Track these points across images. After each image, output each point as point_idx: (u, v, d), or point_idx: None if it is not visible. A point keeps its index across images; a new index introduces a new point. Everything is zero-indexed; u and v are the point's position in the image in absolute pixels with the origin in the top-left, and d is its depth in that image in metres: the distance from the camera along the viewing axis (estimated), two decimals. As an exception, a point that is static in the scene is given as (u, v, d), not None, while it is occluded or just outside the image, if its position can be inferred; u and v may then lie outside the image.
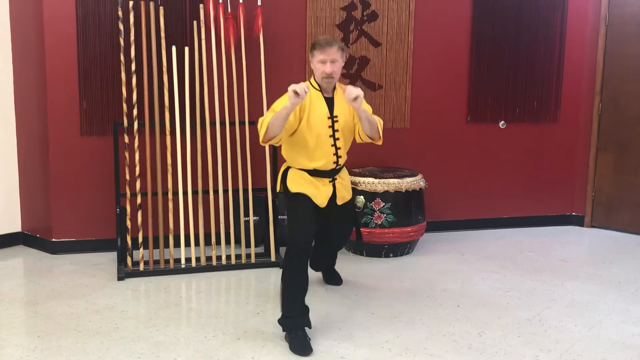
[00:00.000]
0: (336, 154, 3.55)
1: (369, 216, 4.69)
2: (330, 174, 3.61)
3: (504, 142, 5.53)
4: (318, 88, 3.53)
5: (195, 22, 4.53)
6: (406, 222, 4.74)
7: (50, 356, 3.22)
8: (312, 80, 3.58)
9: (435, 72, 5.31)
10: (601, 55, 5.48)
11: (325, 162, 3.54)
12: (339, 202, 3.70)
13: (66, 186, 4.71)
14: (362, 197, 4.69)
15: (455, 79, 5.35)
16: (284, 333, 3.40)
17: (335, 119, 3.51)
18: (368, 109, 3.60)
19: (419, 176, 4.87)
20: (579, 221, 5.74)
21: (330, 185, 3.63)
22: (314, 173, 3.57)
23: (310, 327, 3.42)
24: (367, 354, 3.30)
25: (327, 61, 3.42)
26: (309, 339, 3.34)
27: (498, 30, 5.35)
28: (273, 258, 4.60)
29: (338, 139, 3.53)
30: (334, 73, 3.44)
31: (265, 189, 4.65)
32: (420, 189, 4.84)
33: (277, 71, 4.87)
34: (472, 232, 5.48)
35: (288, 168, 3.63)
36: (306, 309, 3.43)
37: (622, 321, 3.75)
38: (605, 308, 3.94)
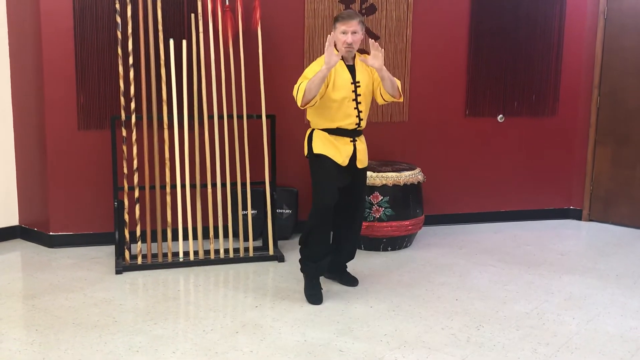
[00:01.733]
0: (358, 115, 3.82)
1: (367, 210, 4.68)
2: (351, 134, 3.86)
3: (503, 135, 5.53)
4: (340, 57, 3.75)
5: (193, 15, 4.51)
6: (404, 216, 4.74)
7: (49, 350, 3.21)
8: (334, 50, 3.75)
9: (434, 65, 5.30)
10: (599, 49, 5.47)
11: (349, 122, 3.81)
12: (359, 165, 3.91)
13: (64, 180, 4.70)
14: (360, 190, 4.70)
15: (453, 72, 5.34)
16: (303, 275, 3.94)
17: (357, 84, 3.81)
18: None
19: (417, 170, 4.87)
20: (577, 215, 5.74)
21: (351, 145, 3.87)
22: (337, 132, 3.83)
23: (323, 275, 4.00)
24: (366, 347, 3.30)
25: (348, 32, 3.70)
26: (322, 289, 3.89)
27: (496, 24, 5.34)
28: (271, 252, 4.59)
29: (360, 102, 3.82)
30: (354, 43, 3.74)
31: (264, 183, 4.65)
32: (419, 182, 4.83)
33: (275, 64, 4.86)
34: (470, 226, 5.48)
35: (312, 131, 3.89)
36: (326, 260, 3.92)
37: (620, 314, 3.76)
38: (603, 301, 3.95)
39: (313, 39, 4.97)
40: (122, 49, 4.39)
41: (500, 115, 5.48)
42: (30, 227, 4.92)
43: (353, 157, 3.90)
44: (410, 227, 4.79)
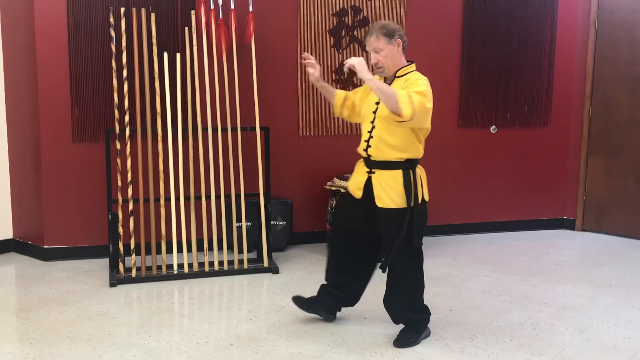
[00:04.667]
0: (367, 140, 3.37)
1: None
2: (367, 163, 3.41)
3: (495, 146, 5.55)
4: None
5: (186, 29, 4.54)
6: (398, 227, 4.73)
7: (42, 363, 3.21)
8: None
9: (426, 76, 5.30)
10: (591, 60, 5.52)
11: (361, 145, 3.43)
12: (379, 203, 3.33)
13: (58, 193, 4.70)
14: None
15: (446, 84, 5.36)
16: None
17: (378, 104, 3.33)
18: (414, 87, 3.25)
19: (411, 181, 4.88)
20: (570, 225, 5.77)
21: (366, 175, 3.39)
22: (363, 158, 3.46)
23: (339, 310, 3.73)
24: (359, 358, 3.30)
25: (371, 51, 3.32)
26: (310, 307, 3.68)
27: (489, 36, 5.38)
28: (266, 264, 4.59)
29: (375, 127, 3.34)
30: (380, 62, 3.30)
31: (258, 195, 4.66)
32: (412, 193, 4.83)
33: (269, 77, 4.89)
34: (464, 236, 5.50)
35: None
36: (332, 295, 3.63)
37: (613, 324, 3.77)
38: (596, 311, 3.96)
39: (306, 52, 5.00)
40: (116, 62, 4.41)
41: (493, 126, 5.51)
42: (24, 240, 4.91)
43: (369, 191, 3.36)
44: (404, 238, 4.78)
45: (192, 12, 4.51)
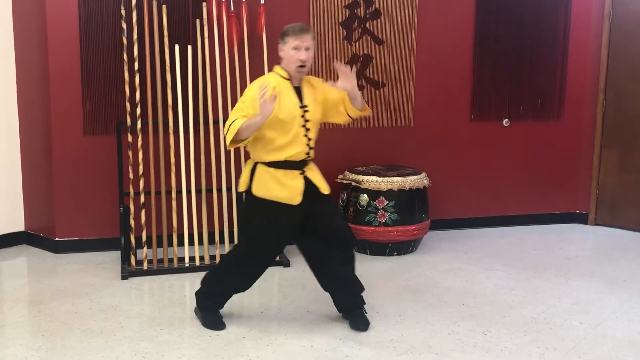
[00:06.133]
0: (308, 144, 3.41)
1: (373, 214, 4.68)
2: (300, 165, 3.41)
3: (508, 140, 5.52)
4: (287, 77, 3.41)
5: (198, 21, 4.52)
6: (410, 221, 4.73)
7: (55, 355, 3.21)
8: (277, 69, 3.45)
9: (439, 70, 5.29)
10: (605, 53, 5.46)
11: (297, 151, 3.38)
12: (325, 190, 3.47)
13: (69, 185, 4.70)
14: (365, 195, 4.69)
15: (458, 77, 5.33)
16: (195, 307, 3.65)
17: (305, 109, 3.39)
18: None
19: (423, 174, 4.86)
20: (583, 219, 5.72)
21: (301, 177, 3.40)
22: (285, 165, 3.37)
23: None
24: (372, 352, 3.29)
25: (301, 48, 3.31)
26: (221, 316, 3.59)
27: (502, 28, 5.33)
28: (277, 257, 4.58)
29: (309, 129, 3.41)
30: (308, 60, 3.35)
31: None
32: (424, 187, 4.83)
33: (280, 70, 4.87)
34: (476, 230, 5.47)
35: (256, 165, 3.43)
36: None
37: (627, 319, 3.74)
38: (610, 306, 3.93)
39: (317, 45, 4.97)
40: (127, 54, 4.40)
41: (506, 120, 5.47)
42: (36, 233, 4.92)
43: (310, 189, 3.41)
44: (416, 232, 4.78)
45: (204, 4, 4.50)
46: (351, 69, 3.36)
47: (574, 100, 5.57)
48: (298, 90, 3.42)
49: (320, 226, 3.48)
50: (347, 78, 3.35)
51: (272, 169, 3.37)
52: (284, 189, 3.36)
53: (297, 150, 3.38)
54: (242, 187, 3.47)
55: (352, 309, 3.60)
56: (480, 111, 5.40)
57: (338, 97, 3.48)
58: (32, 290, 4.11)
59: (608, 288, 4.22)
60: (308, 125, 3.40)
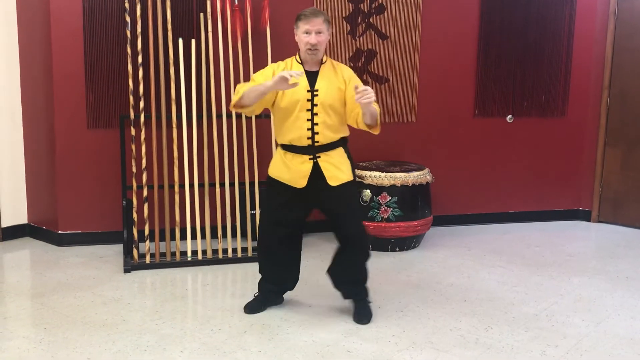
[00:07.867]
0: (312, 129, 3.36)
1: (376, 210, 4.67)
2: (308, 151, 3.40)
3: (511, 136, 5.51)
4: (300, 62, 3.43)
5: (202, 14, 4.51)
6: (412, 216, 4.73)
7: (57, 348, 3.22)
8: (296, 56, 3.47)
9: (443, 65, 5.28)
10: (610, 50, 5.44)
11: (297, 136, 3.37)
12: (332, 182, 3.42)
13: (72, 178, 4.71)
14: (368, 190, 4.68)
15: (462, 72, 5.32)
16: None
17: (315, 93, 3.35)
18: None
19: (426, 170, 4.86)
20: (586, 216, 5.72)
21: (310, 162, 3.39)
22: (291, 148, 3.42)
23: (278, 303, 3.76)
24: (374, 348, 3.29)
25: (312, 32, 3.31)
26: (263, 306, 3.69)
27: (506, 24, 5.32)
28: (279, 251, 4.59)
29: (317, 114, 3.35)
30: (319, 44, 3.33)
31: (272, 182, 4.64)
32: (427, 183, 4.82)
33: (284, 64, 4.86)
34: (478, 227, 5.46)
35: (278, 148, 3.56)
36: (281, 282, 3.70)
37: (630, 317, 3.74)
38: (612, 303, 3.92)
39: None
40: (131, 48, 4.40)
41: (510, 116, 5.46)
42: (39, 226, 4.93)
43: (317, 175, 3.41)
44: (418, 228, 4.77)
45: (208, -2, 4.49)
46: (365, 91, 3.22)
47: (578, 97, 5.55)
48: (313, 75, 3.39)
49: (327, 217, 3.62)
50: (362, 96, 3.20)
51: (283, 152, 3.49)
52: (288, 171, 3.45)
53: (296, 134, 3.38)
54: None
55: (352, 297, 3.70)
56: (484, 107, 5.39)
57: (354, 103, 3.36)
58: (34, 283, 4.12)
59: (610, 285, 4.21)
60: (315, 109, 3.35)
